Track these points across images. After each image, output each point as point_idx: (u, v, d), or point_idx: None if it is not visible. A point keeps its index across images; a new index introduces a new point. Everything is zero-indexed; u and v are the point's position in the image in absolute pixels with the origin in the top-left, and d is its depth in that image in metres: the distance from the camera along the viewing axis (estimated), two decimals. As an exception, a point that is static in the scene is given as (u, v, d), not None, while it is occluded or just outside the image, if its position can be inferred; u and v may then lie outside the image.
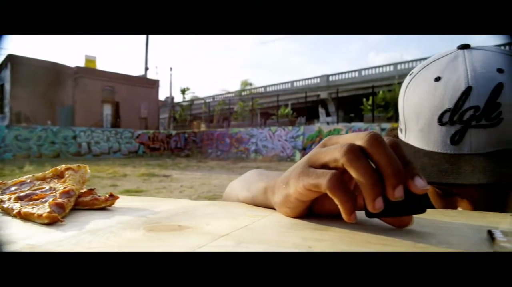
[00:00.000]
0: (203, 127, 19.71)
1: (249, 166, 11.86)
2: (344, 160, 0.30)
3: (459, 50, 0.54)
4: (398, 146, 0.32)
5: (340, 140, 0.34)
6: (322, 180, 0.31)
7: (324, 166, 0.33)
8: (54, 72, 18.74)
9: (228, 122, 18.52)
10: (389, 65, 22.68)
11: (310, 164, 0.34)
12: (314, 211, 0.39)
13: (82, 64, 21.72)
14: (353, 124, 13.61)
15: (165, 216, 0.39)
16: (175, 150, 19.33)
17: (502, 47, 0.55)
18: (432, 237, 0.30)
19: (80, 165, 0.47)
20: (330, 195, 0.31)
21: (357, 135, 0.32)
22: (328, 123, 16.49)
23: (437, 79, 0.52)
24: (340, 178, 0.31)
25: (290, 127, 15.16)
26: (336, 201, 0.31)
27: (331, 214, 0.38)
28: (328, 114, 21.37)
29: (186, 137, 19.19)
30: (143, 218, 0.38)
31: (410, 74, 0.59)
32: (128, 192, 6.15)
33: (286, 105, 18.41)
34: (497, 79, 0.48)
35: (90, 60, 22.23)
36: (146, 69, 27.24)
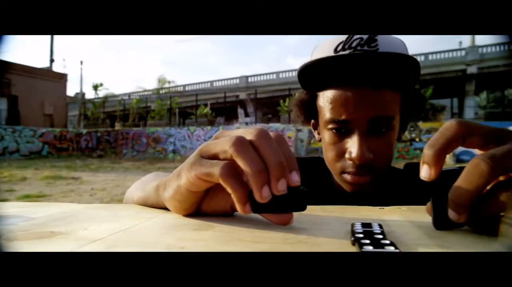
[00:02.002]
0: (117, 126, 18.61)
1: (167, 166, 11.53)
2: (232, 151, 0.32)
3: None
4: (282, 140, 0.34)
5: (231, 133, 0.35)
6: (215, 169, 0.32)
7: (215, 157, 0.34)
8: None
9: (145, 121, 17.76)
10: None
11: (201, 155, 0.35)
12: (202, 209, 0.39)
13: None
14: (270, 124, 14.07)
15: (40, 222, 0.36)
16: (86, 150, 17.90)
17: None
18: (303, 232, 0.33)
19: None
20: (223, 183, 0.32)
21: (246, 130, 0.34)
22: (246, 124, 16.80)
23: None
24: (233, 167, 0.32)
25: (209, 127, 15.11)
26: (229, 190, 0.32)
27: (219, 212, 0.39)
28: (246, 115, 21.76)
29: (99, 136, 17.90)
30: (13, 226, 0.34)
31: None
32: (28, 197, 5.53)
33: (205, 105, 18.26)
34: None
35: (-21, 47, 19.35)
36: (52, 61, 24.82)
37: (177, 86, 26.27)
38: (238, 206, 0.32)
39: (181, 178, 0.36)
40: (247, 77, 25.10)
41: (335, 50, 0.62)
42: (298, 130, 12.54)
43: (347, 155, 0.62)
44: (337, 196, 0.70)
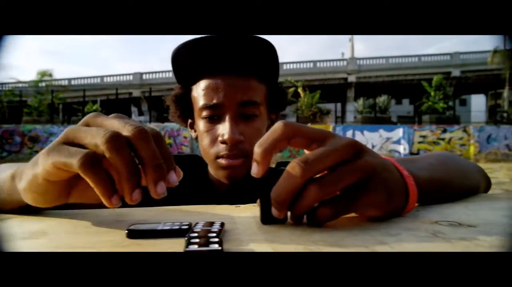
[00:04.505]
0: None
1: (47, 168, 10.28)
2: (105, 147, 0.29)
3: None
4: (160, 138, 0.33)
5: (106, 123, 0.33)
6: (74, 159, 0.29)
7: (81, 147, 0.31)
8: None
9: (19, 117, 15.57)
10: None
11: (65, 141, 0.32)
12: (73, 200, 0.36)
13: None
14: (166, 124, 13.65)
15: None
16: None
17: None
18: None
19: None
20: (82, 175, 0.29)
21: (124, 125, 0.31)
22: (140, 123, 16.00)
23: None
24: (95, 158, 0.30)
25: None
26: (90, 183, 0.30)
27: (94, 204, 0.36)
28: (141, 113, 20.79)
29: (-44, 134, 15.05)
30: None
31: None
32: None
33: (95, 102, 16.85)
34: None
35: None
36: None
37: (61, 79, 23.66)
38: (104, 201, 0.30)
39: (37, 166, 0.32)
40: (141, 73, 23.93)
41: None
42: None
43: (219, 138, 0.65)
44: (214, 192, 0.72)
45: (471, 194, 0.50)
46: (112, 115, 0.35)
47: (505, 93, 17.98)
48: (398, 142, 12.56)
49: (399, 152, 12.38)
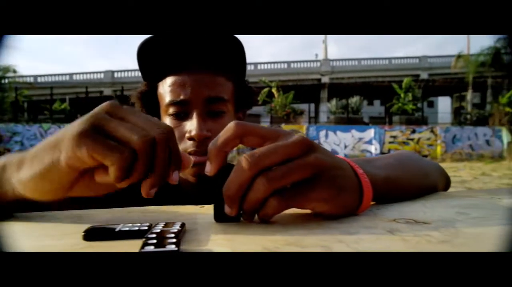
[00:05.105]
0: None
1: (11, 169, 9.82)
2: (139, 149, 0.31)
3: None
4: (174, 138, 0.34)
5: (132, 120, 0.33)
6: (114, 156, 0.30)
7: (112, 138, 0.31)
8: None
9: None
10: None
11: (94, 129, 0.31)
12: (73, 192, 0.35)
13: None
14: (138, 123, 13.41)
15: None
16: None
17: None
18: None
19: None
20: (112, 171, 0.30)
21: (152, 126, 0.32)
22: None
23: None
24: (132, 161, 0.31)
25: (68, 125, 13.52)
26: (112, 177, 0.31)
27: (91, 195, 0.36)
28: (112, 112, 20.13)
29: None
30: None
31: None
32: None
33: (63, 100, 16.24)
34: None
35: None
36: None
37: (26, 76, 22.66)
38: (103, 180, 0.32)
39: (61, 151, 0.31)
40: (113, 72, 23.32)
41: None
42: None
43: (187, 135, 0.64)
44: (180, 192, 0.71)
45: (430, 192, 0.52)
46: (127, 107, 0.35)
47: (469, 95, 18.83)
48: (369, 142, 12.86)
49: (370, 152, 12.69)
